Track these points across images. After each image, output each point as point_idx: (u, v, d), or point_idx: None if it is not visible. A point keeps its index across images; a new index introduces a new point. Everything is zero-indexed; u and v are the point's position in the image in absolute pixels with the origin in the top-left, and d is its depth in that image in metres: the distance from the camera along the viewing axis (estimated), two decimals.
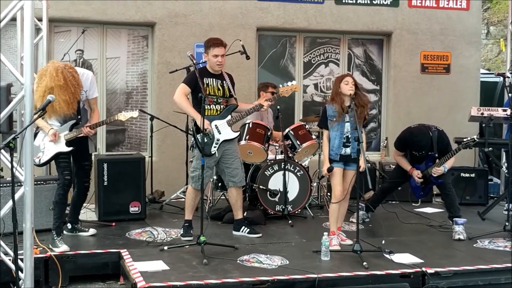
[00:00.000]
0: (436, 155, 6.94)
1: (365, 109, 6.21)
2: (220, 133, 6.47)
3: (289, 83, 6.67)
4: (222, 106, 6.56)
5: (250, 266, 5.53)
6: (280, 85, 6.79)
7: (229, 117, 6.55)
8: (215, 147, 6.44)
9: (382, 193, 7.58)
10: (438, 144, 6.91)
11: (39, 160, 6.09)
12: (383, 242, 6.05)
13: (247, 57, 7.39)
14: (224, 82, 6.58)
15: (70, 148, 6.03)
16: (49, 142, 6.06)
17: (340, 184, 6.18)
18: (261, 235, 6.68)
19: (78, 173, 6.29)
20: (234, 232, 6.76)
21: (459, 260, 5.89)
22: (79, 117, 6.12)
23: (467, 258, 5.97)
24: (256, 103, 6.77)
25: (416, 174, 7.06)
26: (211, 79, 6.50)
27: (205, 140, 6.32)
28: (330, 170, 6.17)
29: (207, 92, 6.39)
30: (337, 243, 6.16)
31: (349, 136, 6.14)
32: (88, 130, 6.04)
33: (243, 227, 6.73)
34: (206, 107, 6.22)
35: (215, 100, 6.51)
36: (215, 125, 6.46)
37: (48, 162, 6.23)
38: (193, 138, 6.50)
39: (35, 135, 6.01)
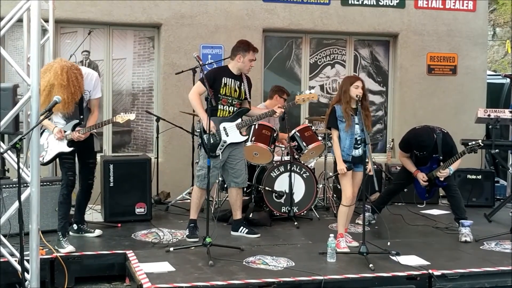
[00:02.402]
0: (441, 157, 6.89)
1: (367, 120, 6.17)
2: (227, 136, 6.47)
3: (307, 92, 6.67)
4: (235, 108, 6.56)
5: (256, 268, 5.52)
6: (298, 92, 6.78)
7: (239, 120, 6.55)
8: (220, 149, 6.44)
9: (388, 194, 7.57)
10: (442, 146, 6.86)
11: (43, 159, 6.09)
12: (388, 244, 6.03)
13: None
14: (242, 84, 6.59)
15: (71, 149, 6.03)
16: (52, 141, 6.07)
17: (351, 186, 6.17)
18: (260, 235, 6.69)
19: (82, 170, 6.28)
20: (233, 233, 6.77)
21: (466, 262, 5.87)
22: (81, 117, 6.12)
23: (474, 260, 5.96)
24: (268, 109, 6.79)
25: (421, 177, 7.02)
26: (231, 79, 6.51)
27: (211, 141, 6.33)
28: (350, 169, 6.12)
29: (223, 92, 6.41)
30: (345, 245, 6.14)
31: (358, 138, 6.14)
32: (78, 135, 6.00)
33: (242, 227, 6.74)
34: (219, 107, 6.30)
35: (230, 101, 6.50)
36: (224, 127, 6.46)
37: (51, 161, 6.24)
38: (199, 138, 6.52)
39: (40, 134, 6.00)
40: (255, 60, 6.63)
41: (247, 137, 6.73)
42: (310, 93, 6.66)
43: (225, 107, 6.48)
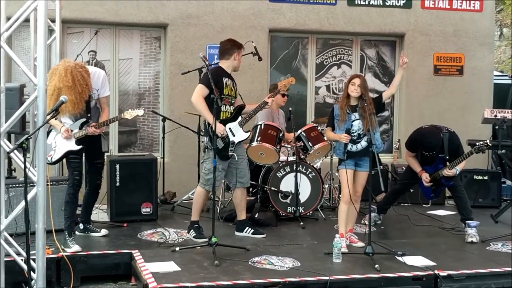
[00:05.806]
0: (447, 157, 6.87)
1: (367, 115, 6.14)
2: (234, 135, 6.48)
3: (283, 78, 6.73)
4: (233, 107, 6.57)
5: (261, 268, 5.52)
6: (278, 80, 6.83)
7: (239, 118, 6.56)
8: (231, 149, 6.45)
9: (393, 194, 7.56)
10: (449, 146, 6.84)
11: (51, 158, 6.11)
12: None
13: (260, 59, 7.42)
14: (234, 82, 6.61)
15: (80, 147, 6.05)
16: (60, 140, 6.09)
17: (348, 185, 6.16)
18: (265, 235, 6.69)
19: (90, 171, 6.31)
20: (237, 233, 6.76)
21: (472, 263, 5.86)
22: (89, 115, 6.14)
23: (480, 261, 5.95)
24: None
25: (425, 178, 7.01)
26: (229, 79, 6.51)
27: (222, 144, 6.34)
28: (348, 132, 6.11)
29: (227, 93, 6.41)
30: (344, 245, 6.11)
31: (360, 133, 6.14)
32: (93, 130, 6.03)
33: (247, 227, 6.74)
34: (222, 109, 6.27)
35: (230, 100, 6.51)
36: (229, 128, 6.46)
37: (59, 160, 6.26)
38: (208, 141, 6.38)
39: (48, 133, 6.03)
40: None
41: (250, 133, 6.75)
42: (287, 77, 6.84)
43: (226, 107, 6.47)
